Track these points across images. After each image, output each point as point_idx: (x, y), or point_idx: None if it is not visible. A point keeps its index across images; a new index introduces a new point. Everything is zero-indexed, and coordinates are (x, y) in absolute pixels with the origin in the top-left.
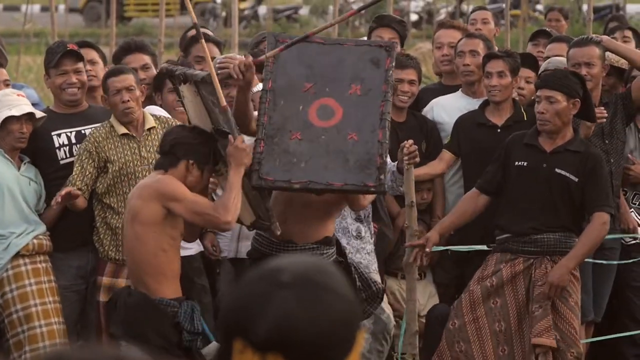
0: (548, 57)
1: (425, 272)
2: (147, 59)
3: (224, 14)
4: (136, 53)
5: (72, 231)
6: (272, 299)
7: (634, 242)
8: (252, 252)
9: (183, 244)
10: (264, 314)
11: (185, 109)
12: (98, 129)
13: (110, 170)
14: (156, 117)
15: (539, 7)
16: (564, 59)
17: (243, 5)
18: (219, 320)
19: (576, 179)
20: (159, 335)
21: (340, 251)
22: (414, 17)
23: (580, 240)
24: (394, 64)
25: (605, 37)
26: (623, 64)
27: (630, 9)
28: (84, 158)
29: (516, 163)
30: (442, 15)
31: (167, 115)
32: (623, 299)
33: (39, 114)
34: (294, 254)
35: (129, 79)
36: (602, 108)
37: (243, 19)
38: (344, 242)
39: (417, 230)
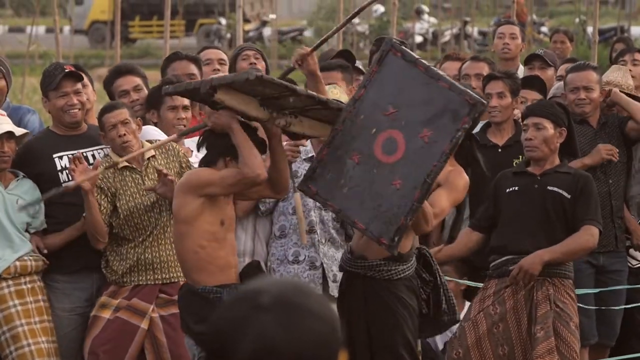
0: (561, 77)
1: None
2: (138, 80)
3: (228, 35)
4: (127, 75)
5: (74, 256)
6: (252, 322)
7: (638, 264)
8: (340, 267)
9: None
10: (244, 337)
11: (230, 106)
12: (102, 163)
13: (118, 205)
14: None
15: (544, 29)
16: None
17: (248, 27)
18: (201, 344)
19: (569, 196)
20: (198, 323)
21: (431, 271)
22: (418, 39)
23: (564, 241)
24: (469, 125)
25: (614, 90)
26: (627, 88)
27: (635, 30)
28: (96, 195)
29: (507, 190)
30: (446, 37)
31: (162, 135)
32: (631, 321)
33: (19, 131)
34: (363, 269)
35: (124, 113)
36: (612, 147)
37: (248, 41)
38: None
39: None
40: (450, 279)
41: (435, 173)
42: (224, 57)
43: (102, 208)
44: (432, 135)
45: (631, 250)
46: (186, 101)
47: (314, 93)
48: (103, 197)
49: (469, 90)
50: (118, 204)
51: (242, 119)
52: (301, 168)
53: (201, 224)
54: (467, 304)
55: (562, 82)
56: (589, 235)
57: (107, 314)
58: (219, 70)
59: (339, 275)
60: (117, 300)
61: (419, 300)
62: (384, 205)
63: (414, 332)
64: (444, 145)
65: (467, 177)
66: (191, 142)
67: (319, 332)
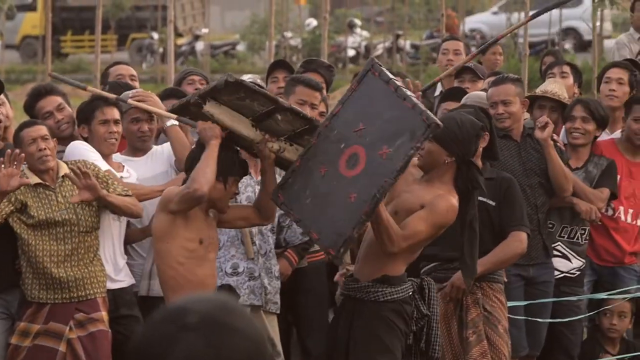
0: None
1: None
2: (59, 99)
3: (161, 50)
4: (47, 96)
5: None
6: (178, 341)
7: (561, 275)
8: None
9: (114, 275)
10: (171, 357)
11: (221, 124)
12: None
13: (31, 222)
14: (69, 164)
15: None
16: (483, 94)
17: (180, 41)
18: None
19: (493, 203)
20: None
21: (430, 304)
22: (351, 53)
23: (493, 251)
24: (422, 144)
25: (545, 141)
26: (563, 99)
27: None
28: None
29: (272, 195)
30: (379, 51)
31: (90, 151)
32: (556, 333)
33: None
34: (353, 291)
35: (43, 129)
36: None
37: (180, 55)
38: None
39: (349, 264)
40: None
41: (385, 189)
42: (135, 73)
43: (3, 205)
44: (389, 153)
45: (554, 260)
46: (117, 115)
47: (299, 109)
48: (6, 202)
49: (428, 111)
50: (30, 220)
51: (233, 142)
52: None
53: (178, 240)
54: None
55: (472, 93)
56: (517, 242)
57: (27, 342)
58: (131, 85)
59: (270, 287)
60: (37, 326)
61: (407, 325)
62: (337, 217)
63: (397, 353)
64: (398, 162)
65: (453, 202)
66: (121, 158)
67: (246, 350)
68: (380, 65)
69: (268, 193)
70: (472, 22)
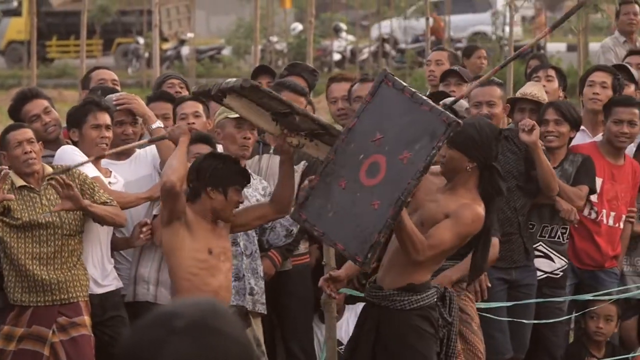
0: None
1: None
2: (45, 102)
3: (146, 54)
4: (34, 100)
5: None
6: (167, 345)
7: (544, 276)
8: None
9: (101, 280)
10: None
11: (242, 115)
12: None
13: (14, 224)
14: (55, 168)
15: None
16: (462, 101)
17: (165, 46)
18: None
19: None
20: None
21: (450, 314)
22: (336, 57)
23: (467, 259)
24: (444, 143)
25: (538, 147)
26: (543, 101)
27: (551, 47)
28: None
29: (293, 215)
30: (364, 55)
31: (80, 155)
32: (539, 335)
33: None
34: (378, 299)
35: (29, 132)
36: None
37: (166, 60)
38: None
39: (334, 268)
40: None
41: (409, 191)
42: (116, 77)
43: None
44: (410, 157)
45: (537, 261)
46: (109, 120)
47: (315, 116)
48: None
49: (446, 112)
50: (13, 222)
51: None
52: None
53: (186, 252)
54: (348, 307)
55: (442, 102)
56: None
57: (12, 347)
58: (114, 90)
59: (257, 288)
60: (20, 329)
61: (436, 329)
62: (362, 225)
63: (434, 358)
64: (420, 164)
65: (479, 211)
66: (104, 162)
67: (234, 354)
68: (393, 75)
69: (285, 186)
70: (386, 26)
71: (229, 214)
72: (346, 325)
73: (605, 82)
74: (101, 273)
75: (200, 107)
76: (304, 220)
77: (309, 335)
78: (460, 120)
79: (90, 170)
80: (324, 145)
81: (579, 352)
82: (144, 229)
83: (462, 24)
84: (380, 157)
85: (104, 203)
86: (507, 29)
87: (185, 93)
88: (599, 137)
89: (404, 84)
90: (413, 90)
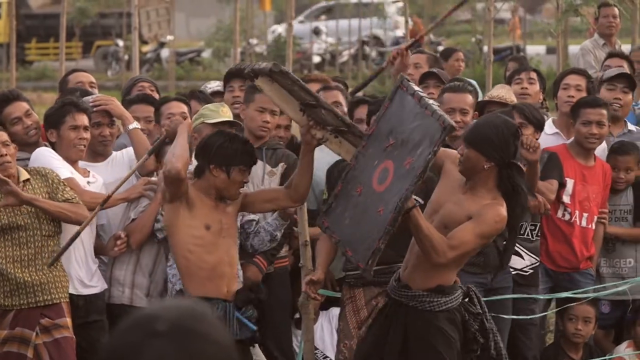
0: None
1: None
2: (26, 105)
3: (126, 57)
4: (15, 102)
5: None
6: (147, 347)
7: (514, 272)
8: (386, 294)
9: (88, 282)
10: None
11: (271, 99)
12: None
13: None
14: (29, 170)
15: (440, 48)
16: None
17: (145, 48)
18: None
19: (422, 201)
20: None
21: (482, 311)
22: (316, 59)
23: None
24: (439, 147)
25: (535, 162)
26: (511, 102)
27: (530, 50)
28: None
29: (318, 222)
30: (344, 57)
31: (54, 157)
32: (511, 338)
33: None
34: (406, 298)
35: (4, 135)
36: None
37: (145, 62)
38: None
39: (312, 270)
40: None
41: (407, 197)
42: (94, 80)
43: None
44: (413, 162)
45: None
46: (87, 121)
47: (340, 113)
48: None
49: (444, 115)
50: None
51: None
52: None
53: (184, 228)
54: (322, 313)
55: None
56: None
57: None
58: (91, 92)
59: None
60: (3, 331)
61: (461, 333)
62: (368, 232)
63: None
64: (419, 169)
65: (501, 211)
66: (81, 164)
67: (215, 357)
68: (409, 80)
69: (303, 176)
70: (366, 28)
71: (232, 193)
72: (320, 330)
73: (579, 85)
74: (86, 272)
75: (186, 109)
76: (325, 227)
77: (287, 336)
78: (454, 124)
79: (64, 172)
80: (347, 143)
81: (555, 355)
82: (118, 242)
83: (354, 28)
84: (390, 163)
85: (66, 200)
86: (397, 32)
87: (155, 96)
88: (571, 140)
89: (416, 88)
90: (422, 94)
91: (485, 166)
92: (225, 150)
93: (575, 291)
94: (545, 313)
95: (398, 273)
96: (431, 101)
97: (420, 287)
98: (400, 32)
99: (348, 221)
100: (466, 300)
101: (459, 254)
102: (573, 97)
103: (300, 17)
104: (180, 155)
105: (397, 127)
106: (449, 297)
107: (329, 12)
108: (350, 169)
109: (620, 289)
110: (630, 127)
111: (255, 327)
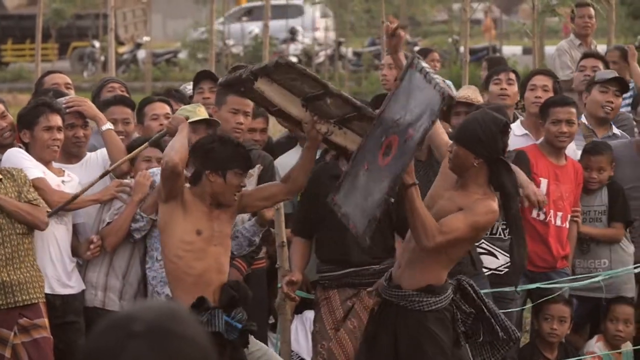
0: None
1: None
2: (2, 106)
3: (102, 58)
4: None
5: None
6: (124, 349)
7: (489, 272)
8: (378, 294)
9: (66, 281)
10: None
11: (272, 99)
12: None
13: None
14: (1, 171)
15: (417, 48)
16: None
17: (122, 49)
18: None
19: (392, 199)
20: None
21: (480, 301)
22: (293, 60)
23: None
24: (437, 117)
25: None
26: (478, 102)
27: (507, 50)
28: None
29: (328, 199)
30: (321, 58)
31: (26, 159)
32: None
33: None
34: (397, 298)
35: None
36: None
37: (122, 63)
38: None
39: (289, 271)
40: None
41: (405, 165)
42: (70, 81)
43: None
44: (414, 134)
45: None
46: (60, 122)
47: (348, 96)
48: None
49: (445, 87)
50: None
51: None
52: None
53: (175, 232)
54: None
55: None
56: None
57: None
58: (64, 93)
59: None
60: None
61: (450, 332)
62: (370, 203)
63: None
64: (417, 138)
65: (492, 205)
66: (55, 165)
67: (193, 357)
68: (419, 58)
69: (302, 168)
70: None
71: (229, 198)
72: (295, 332)
73: (546, 86)
74: (63, 271)
75: (169, 109)
76: (334, 203)
77: (264, 337)
78: (452, 93)
79: (34, 172)
80: (352, 134)
81: (531, 355)
82: (92, 246)
83: (277, 28)
84: (395, 138)
85: (28, 202)
86: (317, 34)
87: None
88: (542, 140)
89: (424, 64)
90: (428, 70)
91: (474, 163)
92: (218, 154)
93: (549, 282)
94: (520, 308)
95: (390, 272)
96: (436, 75)
97: (410, 286)
98: (318, 33)
99: (354, 195)
100: (457, 296)
101: (449, 240)
102: (540, 97)
103: (221, 19)
104: (179, 150)
105: (404, 104)
106: (439, 297)
107: (250, 13)
108: (360, 148)
109: (596, 279)
110: (615, 130)
111: (240, 325)
